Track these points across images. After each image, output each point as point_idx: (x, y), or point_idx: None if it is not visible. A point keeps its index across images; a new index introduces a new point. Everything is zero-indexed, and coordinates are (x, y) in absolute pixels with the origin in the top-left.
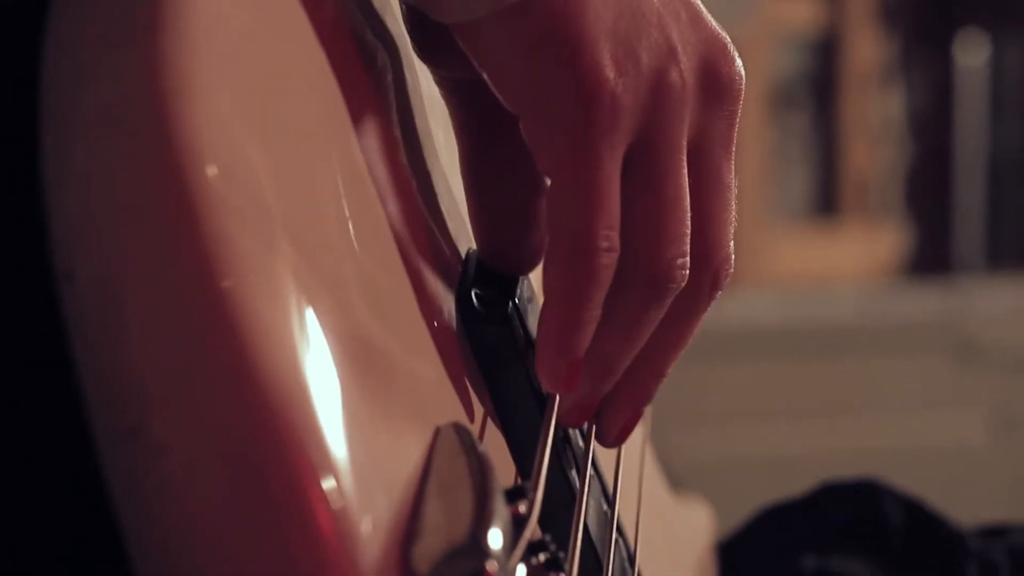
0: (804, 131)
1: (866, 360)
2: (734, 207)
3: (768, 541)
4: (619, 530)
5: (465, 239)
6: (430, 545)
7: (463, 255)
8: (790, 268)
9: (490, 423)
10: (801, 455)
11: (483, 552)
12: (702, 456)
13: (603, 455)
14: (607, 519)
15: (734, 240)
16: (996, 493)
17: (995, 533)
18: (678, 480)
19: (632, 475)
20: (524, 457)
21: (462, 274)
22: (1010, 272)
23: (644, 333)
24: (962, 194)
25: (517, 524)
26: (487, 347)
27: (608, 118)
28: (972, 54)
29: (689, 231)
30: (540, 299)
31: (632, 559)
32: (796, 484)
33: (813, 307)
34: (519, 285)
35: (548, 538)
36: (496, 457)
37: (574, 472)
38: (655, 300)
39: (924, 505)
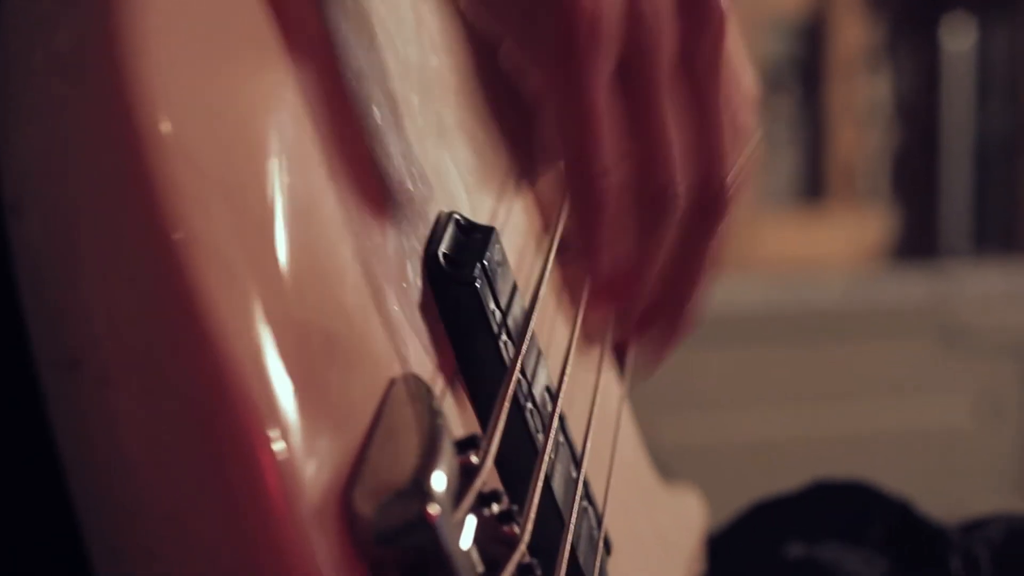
0: (791, 116)
1: (853, 344)
2: (741, 128)
3: (755, 535)
4: (589, 498)
5: (436, 203)
6: (373, 487)
7: (432, 217)
8: (776, 253)
9: (456, 385)
10: (787, 439)
11: (425, 494)
12: (688, 441)
13: (574, 424)
14: (574, 483)
15: None
16: (982, 477)
17: (974, 527)
18: (664, 465)
19: (605, 447)
20: (488, 418)
21: (431, 234)
22: (997, 256)
23: (657, 251)
24: (949, 178)
25: (468, 473)
26: (452, 308)
27: (588, 36)
28: (959, 38)
29: (678, 152)
30: (515, 260)
31: (600, 523)
32: (783, 468)
33: (799, 292)
34: (489, 248)
35: (503, 493)
36: (461, 419)
37: (540, 436)
38: (659, 221)
39: (911, 507)
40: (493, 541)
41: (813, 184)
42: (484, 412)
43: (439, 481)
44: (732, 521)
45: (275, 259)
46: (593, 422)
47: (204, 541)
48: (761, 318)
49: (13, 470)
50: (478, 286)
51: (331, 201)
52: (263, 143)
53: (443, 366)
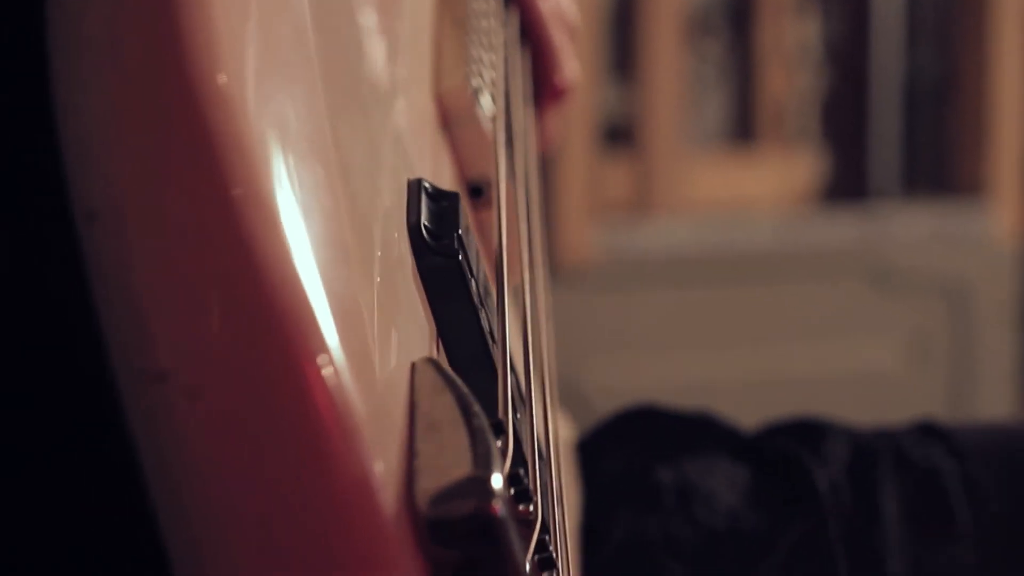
0: (720, 57)
1: (783, 286)
2: None
3: (626, 445)
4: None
5: (407, 169)
6: (428, 483)
7: (401, 184)
8: (706, 195)
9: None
10: (717, 382)
11: (489, 492)
12: (616, 383)
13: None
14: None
15: (650, 167)
16: (908, 416)
17: (812, 432)
18: (593, 408)
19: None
20: (466, 379)
21: (409, 205)
22: (926, 198)
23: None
24: (878, 120)
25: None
26: (436, 277)
27: None
28: None
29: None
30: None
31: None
32: (712, 411)
33: (729, 234)
34: (460, 216)
35: (520, 471)
36: None
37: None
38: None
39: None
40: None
41: (743, 126)
42: (462, 373)
43: (497, 480)
44: (606, 422)
45: (364, 290)
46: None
47: (294, 554)
48: (691, 260)
49: (92, 482)
50: (460, 258)
51: (369, 171)
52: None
53: (430, 329)
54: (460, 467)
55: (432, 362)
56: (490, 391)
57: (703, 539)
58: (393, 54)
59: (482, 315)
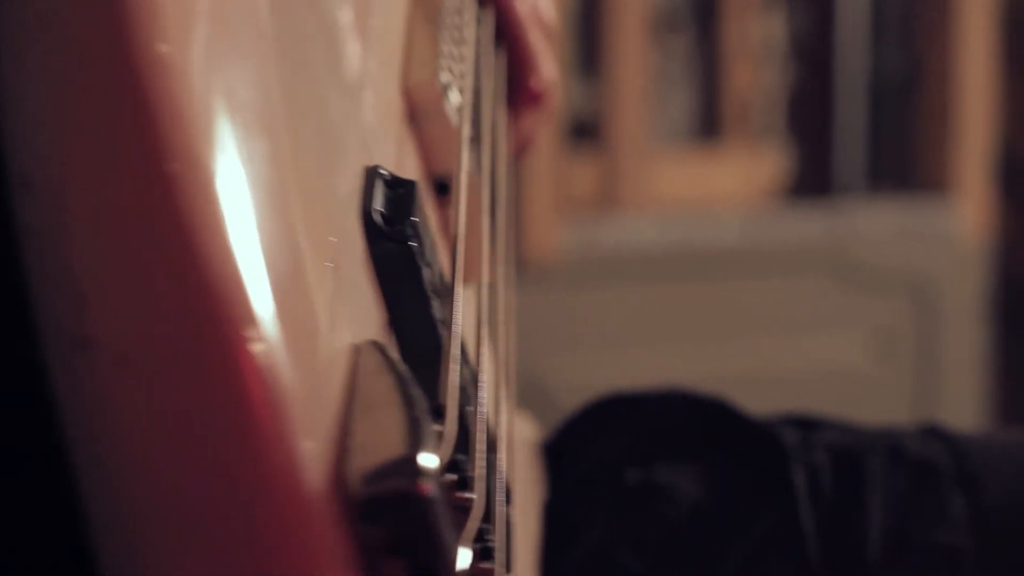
0: (686, 54)
1: (748, 283)
2: None
3: (593, 443)
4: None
5: (368, 158)
6: (360, 463)
7: (357, 168)
8: (671, 191)
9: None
10: (682, 378)
11: (417, 471)
12: (582, 380)
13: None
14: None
15: (616, 164)
16: (876, 414)
17: (806, 426)
18: (557, 406)
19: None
20: (415, 368)
21: (364, 190)
22: (892, 194)
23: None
24: (844, 117)
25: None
26: (386, 263)
27: None
28: None
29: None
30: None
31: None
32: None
33: (695, 230)
34: (417, 203)
35: (462, 458)
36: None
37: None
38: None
39: (729, 406)
40: (451, 508)
41: (708, 122)
42: (410, 359)
43: (430, 460)
44: (573, 417)
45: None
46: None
47: (218, 529)
48: (657, 257)
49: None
50: (414, 245)
51: (322, 159)
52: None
53: (377, 315)
54: (392, 447)
55: (376, 345)
56: (437, 379)
57: (666, 535)
58: (362, 46)
59: (433, 304)
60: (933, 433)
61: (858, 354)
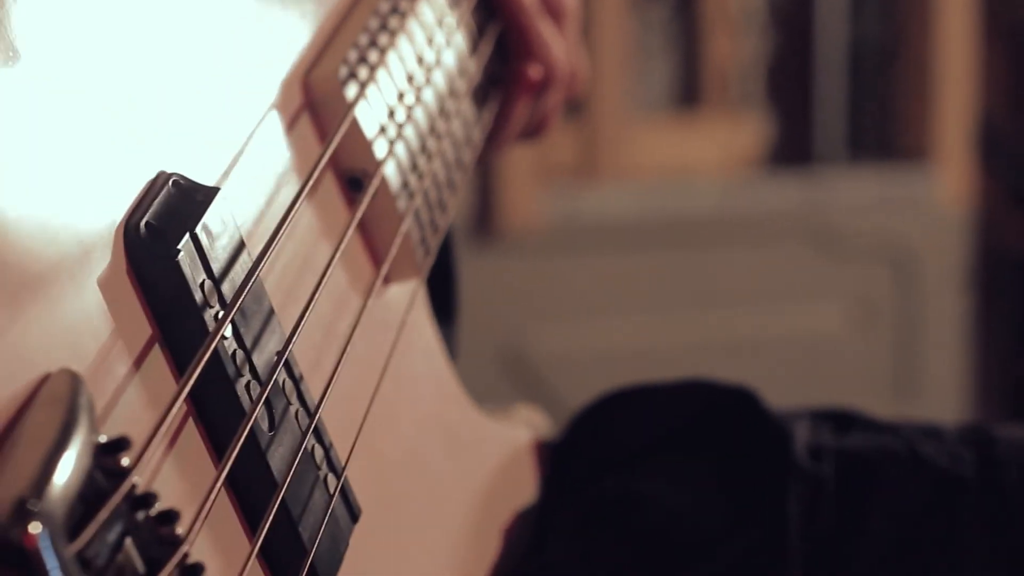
0: (664, 22)
1: (727, 251)
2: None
3: (598, 444)
4: (332, 465)
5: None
6: None
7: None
8: (651, 160)
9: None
10: (662, 347)
11: (23, 518)
12: (562, 349)
13: (319, 382)
14: (308, 456)
15: (595, 133)
16: (856, 381)
17: (839, 424)
18: (537, 375)
19: (363, 399)
20: (200, 384)
21: (140, 200)
22: (870, 163)
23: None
24: (823, 85)
25: (115, 476)
26: (151, 281)
27: None
28: None
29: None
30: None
31: (335, 468)
32: (658, 376)
33: (674, 199)
34: (207, 213)
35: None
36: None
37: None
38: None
39: (756, 399)
40: (157, 543)
41: (688, 91)
42: (193, 393)
43: (52, 500)
44: (578, 419)
45: None
46: (352, 371)
47: None
48: (636, 225)
49: None
50: (180, 259)
51: None
52: None
53: (151, 339)
54: (14, 488)
55: (70, 375)
56: (223, 391)
57: (634, 548)
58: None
59: (207, 314)
60: (973, 436)
61: (838, 322)
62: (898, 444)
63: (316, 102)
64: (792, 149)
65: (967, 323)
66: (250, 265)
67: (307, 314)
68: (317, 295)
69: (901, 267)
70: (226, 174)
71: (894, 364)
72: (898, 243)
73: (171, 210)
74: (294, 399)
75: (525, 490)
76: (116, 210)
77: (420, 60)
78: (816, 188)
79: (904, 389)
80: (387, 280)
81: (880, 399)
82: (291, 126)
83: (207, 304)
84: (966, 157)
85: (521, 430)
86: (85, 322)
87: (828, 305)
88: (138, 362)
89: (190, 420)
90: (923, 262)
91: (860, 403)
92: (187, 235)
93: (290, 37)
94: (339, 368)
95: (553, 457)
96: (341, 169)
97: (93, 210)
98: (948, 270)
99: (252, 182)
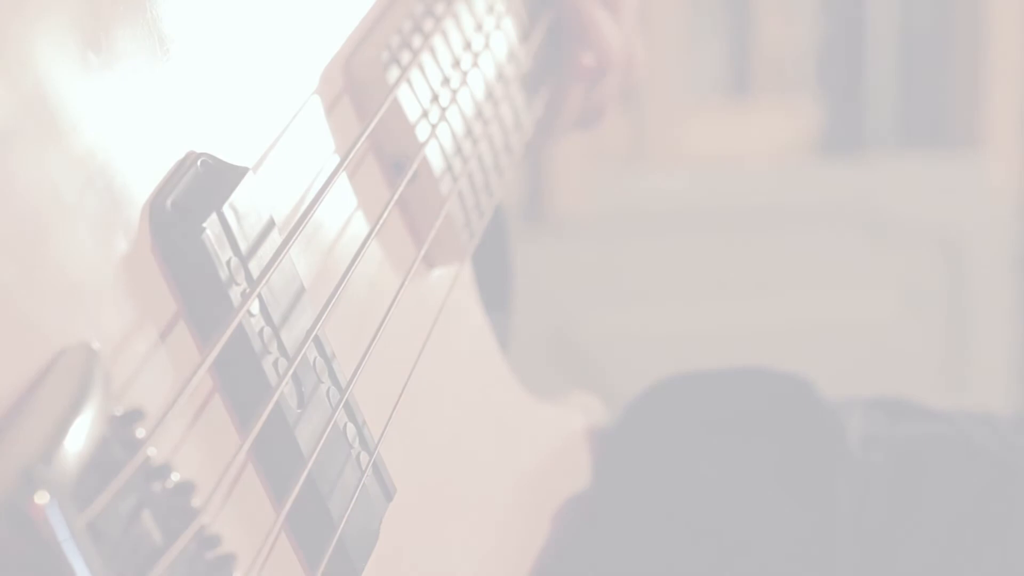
0: (716, 8)
1: (779, 237)
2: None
3: (653, 432)
4: (365, 444)
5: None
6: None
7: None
8: (702, 146)
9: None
10: (716, 333)
11: (31, 485)
12: (612, 333)
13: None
14: (340, 434)
15: (646, 118)
16: (904, 368)
17: (893, 412)
18: (594, 358)
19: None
20: (228, 360)
21: (166, 180)
22: (922, 149)
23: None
24: (875, 71)
25: (131, 448)
26: (177, 258)
27: None
28: None
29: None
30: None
31: (368, 446)
32: (709, 361)
33: (725, 185)
34: (234, 192)
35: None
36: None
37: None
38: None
39: (811, 388)
40: (175, 514)
41: (740, 78)
42: (219, 370)
43: (61, 468)
44: (634, 407)
45: None
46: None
47: None
48: (687, 211)
49: None
50: (205, 236)
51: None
52: None
53: (175, 315)
54: (23, 455)
55: (84, 349)
56: (249, 368)
57: (691, 533)
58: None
59: (233, 291)
60: None
61: (888, 307)
62: (951, 432)
63: (357, 85)
64: (843, 135)
65: (1018, 310)
66: (279, 244)
67: (336, 293)
68: (348, 274)
69: (952, 253)
70: (264, 157)
71: (944, 348)
72: (949, 229)
73: (199, 189)
74: (325, 377)
75: (578, 475)
76: (145, 188)
77: (468, 45)
78: (867, 174)
79: (955, 376)
80: (432, 263)
81: (930, 386)
82: (332, 110)
83: (233, 281)
84: (1018, 143)
85: (575, 416)
86: (108, 298)
87: (879, 291)
88: (162, 338)
89: (216, 397)
90: (974, 248)
91: (910, 390)
92: (214, 213)
93: (334, 26)
94: (371, 347)
95: (608, 443)
96: (384, 154)
97: (122, 188)
98: (999, 256)
99: (290, 165)
